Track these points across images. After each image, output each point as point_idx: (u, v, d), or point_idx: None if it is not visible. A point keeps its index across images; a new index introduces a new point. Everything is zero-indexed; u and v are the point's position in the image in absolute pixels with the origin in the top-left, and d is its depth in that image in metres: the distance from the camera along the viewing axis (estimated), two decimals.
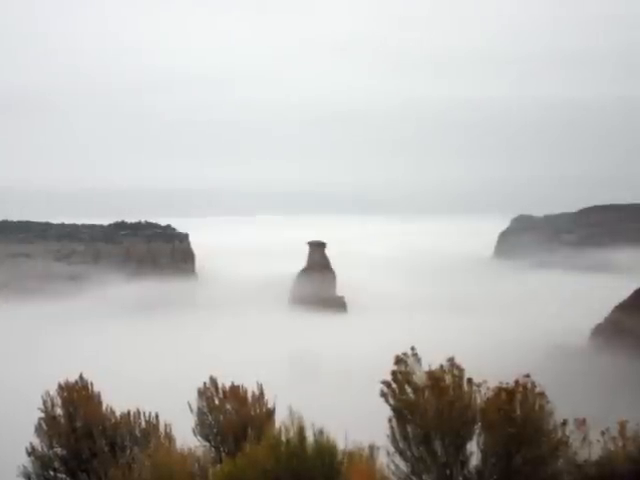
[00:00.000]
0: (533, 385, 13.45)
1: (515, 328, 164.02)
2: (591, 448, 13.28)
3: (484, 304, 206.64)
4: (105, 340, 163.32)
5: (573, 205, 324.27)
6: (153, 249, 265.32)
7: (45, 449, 14.53)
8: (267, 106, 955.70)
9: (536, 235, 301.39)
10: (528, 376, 13.50)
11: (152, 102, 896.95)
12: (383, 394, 13.68)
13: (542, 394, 13.46)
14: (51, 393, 14.64)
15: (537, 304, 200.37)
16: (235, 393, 14.09)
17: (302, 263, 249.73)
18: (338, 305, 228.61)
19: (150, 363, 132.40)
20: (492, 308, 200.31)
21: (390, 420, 13.68)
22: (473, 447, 13.50)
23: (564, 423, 13.42)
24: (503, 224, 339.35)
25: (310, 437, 13.34)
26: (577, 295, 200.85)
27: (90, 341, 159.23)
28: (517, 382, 13.44)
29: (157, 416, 14.18)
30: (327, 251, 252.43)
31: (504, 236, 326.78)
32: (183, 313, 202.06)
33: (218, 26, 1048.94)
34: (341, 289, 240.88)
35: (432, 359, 13.92)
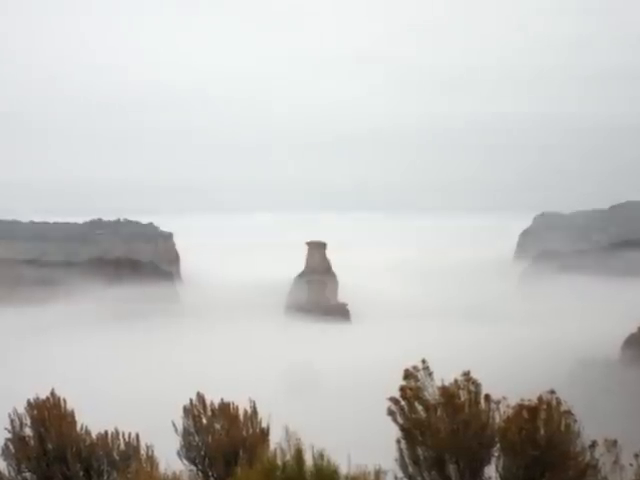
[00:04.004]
0: (558, 402, 13.43)
1: (539, 339, 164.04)
2: (623, 472, 13.26)
3: (504, 312, 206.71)
4: (78, 353, 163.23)
5: (603, 201, 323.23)
6: (133, 250, 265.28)
7: (13, 474, 14.50)
8: (265, 127, 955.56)
9: (562, 235, 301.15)
10: (553, 392, 13.48)
11: (137, 122, 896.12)
12: (391, 412, 13.66)
13: (568, 412, 13.44)
14: (19, 411, 14.61)
15: (564, 312, 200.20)
16: (225, 411, 14.07)
17: (300, 265, 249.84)
18: (340, 313, 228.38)
19: (129, 379, 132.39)
20: (513, 317, 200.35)
21: (398, 441, 13.66)
22: (491, 471, 13.50)
23: (593, 445, 13.39)
24: (524, 222, 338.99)
25: (309, 460, 13.33)
26: (608, 301, 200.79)
27: (61, 354, 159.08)
28: (540, 399, 13.42)
29: (138, 437, 14.15)
30: (328, 252, 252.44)
31: (526, 236, 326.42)
32: (166, 323, 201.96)
33: (213, 41, 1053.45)
34: (343, 296, 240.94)
35: (445, 373, 13.93)
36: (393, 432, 13.74)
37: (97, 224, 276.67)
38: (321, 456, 13.41)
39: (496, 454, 13.51)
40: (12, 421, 14.46)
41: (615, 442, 13.35)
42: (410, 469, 13.57)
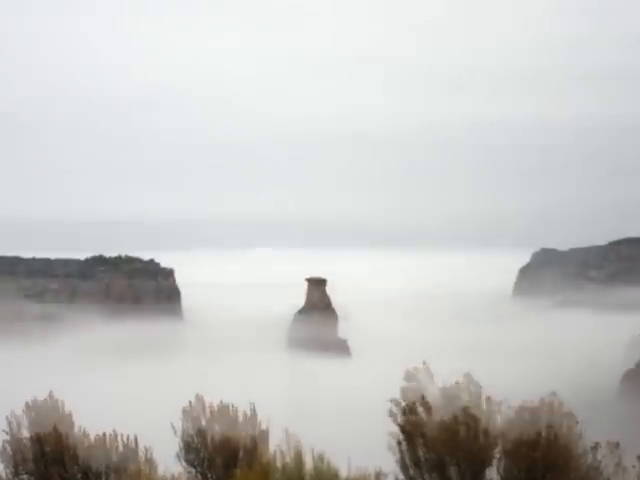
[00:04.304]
0: (560, 404, 13.31)
1: (536, 373, 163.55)
2: (626, 474, 13.09)
3: (501, 348, 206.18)
4: (78, 390, 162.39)
5: (601, 237, 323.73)
6: (134, 286, 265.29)
7: (10, 476, 14.32)
8: (265, 128, 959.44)
9: (560, 271, 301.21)
10: (555, 394, 13.37)
11: (139, 123, 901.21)
12: (392, 414, 13.51)
13: (570, 414, 13.30)
14: (17, 413, 14.46)
15: (560, 349, 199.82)
16: (224, 413, 13.91)
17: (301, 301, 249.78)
18: (340, 349, 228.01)
19: (127, 418, 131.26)
20: (510, 353, 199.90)
21: (399, 443, 13.48)
22: (492, 474, 13.33)
23: (595, 447, 13.22)
24: (523, 259, 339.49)
25: (309, 463, 13.17)
26: (605, 337, 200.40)
27: (61, 391, 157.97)
28: (542, 400, 13.30)
29: (136, 439, 14.00)
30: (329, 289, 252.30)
31: (524, 272, 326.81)
32: (167, 360, 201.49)
33: (213, 41, 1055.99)
34: (344, 332, 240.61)
35: None
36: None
37: (99, 261, 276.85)
38: (321, 459, 13.26)
39: (497, 456, 13.34)
40: (10, 423, 14.31)
41: (617, 444, 13.19)
42: (411, 471, 13.37)
